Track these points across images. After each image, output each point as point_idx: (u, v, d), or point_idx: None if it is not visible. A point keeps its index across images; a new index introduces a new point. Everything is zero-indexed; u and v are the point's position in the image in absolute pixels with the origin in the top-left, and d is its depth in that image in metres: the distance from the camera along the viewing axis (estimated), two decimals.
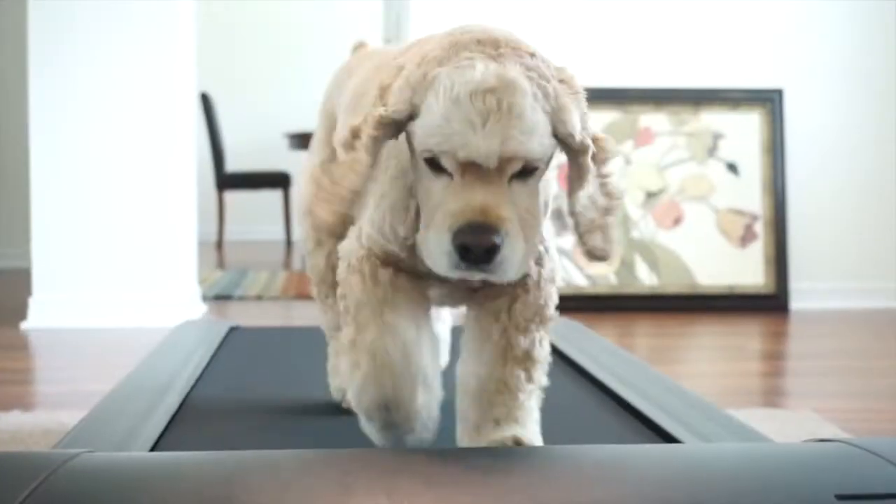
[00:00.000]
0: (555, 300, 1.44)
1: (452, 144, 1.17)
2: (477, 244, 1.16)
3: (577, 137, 1.24)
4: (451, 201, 1.18)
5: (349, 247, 1.43)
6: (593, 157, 1.28)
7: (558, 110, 1.22)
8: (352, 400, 1.39)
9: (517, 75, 1.19)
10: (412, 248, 1.34)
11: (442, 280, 1.39)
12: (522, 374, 1.41)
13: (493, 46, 1.22)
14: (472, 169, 1.18)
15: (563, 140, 1.24)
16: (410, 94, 1.22)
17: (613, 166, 1.32)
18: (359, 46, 1.92)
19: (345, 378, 1.40)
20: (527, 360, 1.41)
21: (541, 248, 1.39)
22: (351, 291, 1.38)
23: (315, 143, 1.83)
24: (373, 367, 1.34)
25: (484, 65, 1.19)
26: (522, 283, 1.41)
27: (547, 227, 1.41)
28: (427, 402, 1.36)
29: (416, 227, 1.32)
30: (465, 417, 1.43)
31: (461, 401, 1.43)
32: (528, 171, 1.21)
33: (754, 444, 1.41)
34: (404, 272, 1.39)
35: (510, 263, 1.19)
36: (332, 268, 1.67)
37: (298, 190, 1.83)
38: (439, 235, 1.19)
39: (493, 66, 1.19)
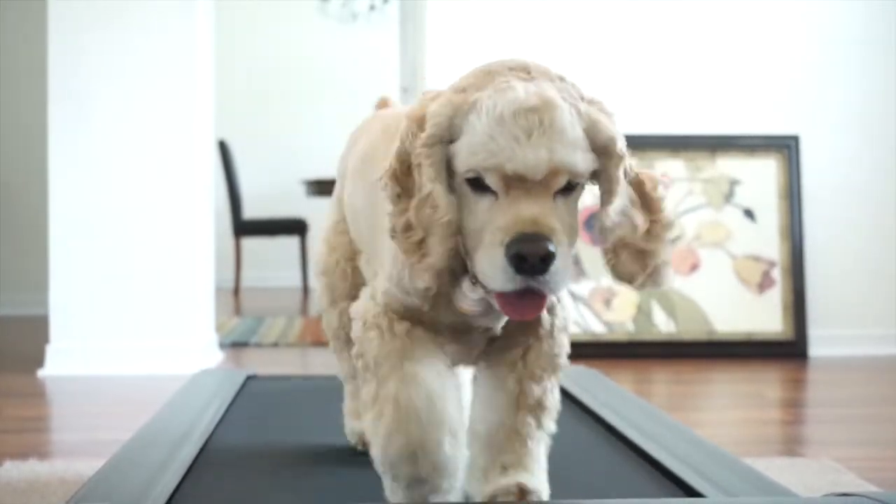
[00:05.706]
0: (567, 349, 1.45)
1: (499, 159, 1.18)
2: (533, 252, 1.15)
3: (619, 143, 1.27)
4: (499, 217, 1.18)
5: (362, 307, 1.42)
6: (639, 185, 1.30)
7: (593, 124, 1.25)
8: (377, 455, 1.36)
9: (555, 94, 1.22)
10: (436, 298, 1.33)
11: (461, 332, 1.38)
12: (533, 422, 1.42)
13: (524, 71, 1.26)
14: (517, 185, 1.18)
15: (603, 149, 1.26)
16: (451, 114, 1.23)
17: (662, 192, 1.31)
18: (381, 103, 1.92)
19: (369, 433, 1.37)
20: (538, 407, 1.42)
21: (553, 297, 1.38)
22: (369, 347, 1.37)
23: (331, 203, 1.83)
24: (397, 415, 1.31)
25: (523, 85, 1.22)
26: (535, 332, 1.41)
27: None
28: (453, 453, 1.34)
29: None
30: (473, 463, 1.42)
31: (470, 446, 1.42)
32: (570, 188, 1.22)
33: (777, 499, 1.40)
34: (423, 326, 1.37)
35: (562, 275, 1.18)
36: (343, 326, 1.69)
37: (315, 248, 1.83)
38: (491, 251, 1.18)
39: (531, 86, 1.22)
